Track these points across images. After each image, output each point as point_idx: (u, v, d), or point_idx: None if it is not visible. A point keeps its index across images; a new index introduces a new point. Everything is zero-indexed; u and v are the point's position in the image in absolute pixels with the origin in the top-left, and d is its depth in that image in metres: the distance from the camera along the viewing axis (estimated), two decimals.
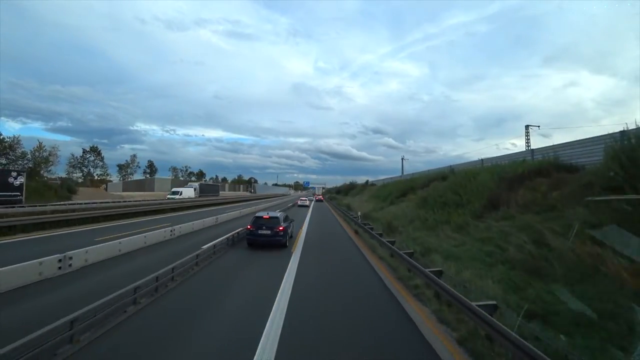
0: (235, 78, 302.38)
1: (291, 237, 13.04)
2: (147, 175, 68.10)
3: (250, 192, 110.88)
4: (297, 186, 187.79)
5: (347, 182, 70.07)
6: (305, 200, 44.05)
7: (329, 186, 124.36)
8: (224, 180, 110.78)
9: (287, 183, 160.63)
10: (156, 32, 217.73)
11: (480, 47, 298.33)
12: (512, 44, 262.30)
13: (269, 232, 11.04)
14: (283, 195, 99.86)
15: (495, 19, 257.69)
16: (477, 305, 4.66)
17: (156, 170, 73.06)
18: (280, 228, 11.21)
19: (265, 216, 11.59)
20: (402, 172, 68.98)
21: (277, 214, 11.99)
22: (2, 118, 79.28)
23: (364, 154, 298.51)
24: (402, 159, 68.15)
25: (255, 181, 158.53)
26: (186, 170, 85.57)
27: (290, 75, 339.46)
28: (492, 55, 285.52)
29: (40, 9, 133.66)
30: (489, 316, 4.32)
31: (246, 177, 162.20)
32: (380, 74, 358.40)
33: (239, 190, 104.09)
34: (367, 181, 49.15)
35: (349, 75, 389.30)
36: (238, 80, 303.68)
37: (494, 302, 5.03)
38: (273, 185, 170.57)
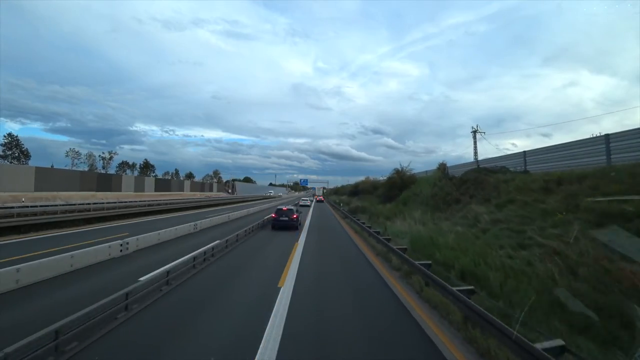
0: (234, 78, 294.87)
1: (300, 224, 17.46)
2: (22, 162, 39.04)
3: (228, 192, 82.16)
4: (296, 187, 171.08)
5: (378, 177, 40.26)
6: (307, 200, 47.15)
7: (330, 186, 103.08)
8: (189, 176, 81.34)
9: (287, 183, 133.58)
10: (154, 32, 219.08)
11: (480, 47, 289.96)
12: (512, 43, 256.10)
13: (286, 218, 16.24)
14: (267, 197, 69.81)
15: (495, 18, 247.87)
16: None
17: (28, 155, 43.66)
18: (294, 216, 16.46)
19: (284, 208, 16.89)
20: (477, 157, 37.73)
21: (292, 207, 18.14)
22: (2, 118, 73.59)
23: (363, 154, 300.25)
24: (475, 131, 37.87)
25: (247, 180, 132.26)
26: (109, 157, 55.71)
27: (290, 76, 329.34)
28: (491, 55, 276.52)
29: (39, 9, 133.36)
30: None
31: (245, 177, 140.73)
32: (379, 74, 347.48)
33: (209, 191, 74.77)
34: (443, 166, 19.66)
35: (348, 75, 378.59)
36: (237, 80, 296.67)
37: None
38: (269, 185, 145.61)
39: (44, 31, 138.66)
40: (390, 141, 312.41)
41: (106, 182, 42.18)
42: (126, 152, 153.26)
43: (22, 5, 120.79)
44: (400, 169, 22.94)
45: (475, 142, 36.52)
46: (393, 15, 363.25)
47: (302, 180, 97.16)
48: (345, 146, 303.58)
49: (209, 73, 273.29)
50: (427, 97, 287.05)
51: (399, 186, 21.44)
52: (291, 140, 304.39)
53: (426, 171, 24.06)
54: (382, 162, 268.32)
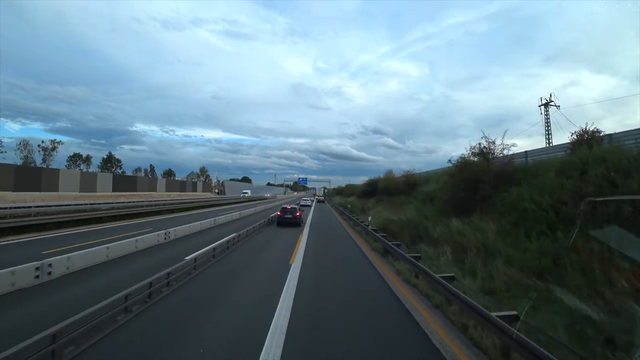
0: (233, 78, 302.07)
1: (302, 221, 19.27)
2: None
3: (216, 192, 71.12)
4: (296, 187, 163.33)
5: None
6: (308, 200, 48.33)
7: (332, 186, 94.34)
8: (169, 173, 69.75)
9: (284, 182, 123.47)
10: (153, 32, 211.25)
11: (480, 46, 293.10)
12: (512, 43, 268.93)
13: (290, 216, 17.81)
14: (246, 201, 55.99)
15: (495, 18, 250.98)
16: None
17: None
18: (298, 214, 18.17)
19: (288, 207, 18.47)
20: (550, 138, 27.54)
21: (295, 205, 19.96)
22: (2, 119, 71.89)
23: (363, 154, 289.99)
24: (547, 103, 28.13)
25: (245, 180, 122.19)
26: (52, 147, 43.89)
27: (290, 76, 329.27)
28: (491, 55, 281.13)
29: (37, 9, 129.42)
30: None
31: (243, 177, 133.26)
32: (379, 74, 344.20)
33: (192, 190, 63.78)
34: (595, 138, 8.59)
35: (348, 75, 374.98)
36: (237, 80, 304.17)
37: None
38: (267, 184, 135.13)
39: (43, 31, 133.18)
40: (391, 141, 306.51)
41: (33, 178, 31.08)
42: (126, 152, 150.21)
43: (21, 5, 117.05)
44: (486, 145, 11.72)
45: (548, 118, 25.26)
46: (393, 14, 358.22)
47: (300, 179, 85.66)
48: (345, 146, 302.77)
49: (209, 73, 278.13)
50: (427, 97, 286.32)
51: (492, 181, 10.37)
52: (291, 140, 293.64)
53: (522, 154, 12.85)
54: (382, 162, 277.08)
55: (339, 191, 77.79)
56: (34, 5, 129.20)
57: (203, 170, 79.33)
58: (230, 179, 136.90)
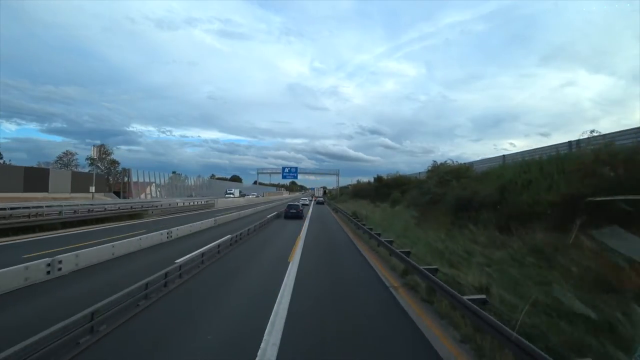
0: (230, 78, 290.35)
1: (303, 215, 25.97)
2: None
3: (115, 193, 35.65)
4: (293, 187, 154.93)
5: None
6: (306, 200, 47.32)
7: (331, 186, 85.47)
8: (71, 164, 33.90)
9: (282, 183, 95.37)
10: (147, 31, 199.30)
11: (477, 46, 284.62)
12: (509, 42, 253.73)
13: (295, 211, 23.93)
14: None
15: (491, 17, 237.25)
16: None
17: None
18: (300, 209, 24.66)
19: (293, 204, 25.66)
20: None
21: (298, 203, 27.36)
22: None
23: (360, 154, 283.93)
24: None
25: (235, 179, 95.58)
26: None
27: (286, 76, 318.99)
28: (488, 55, 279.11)
29: (32, 9, 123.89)
30: None
31: (233, 176, 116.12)
32: (376, 74, 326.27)
33: (18, 190, 28.08)
34: None
35: (345, 75, 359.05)
36: (233, 80, 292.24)
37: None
38: (254, 183, 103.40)
39: (38, 30, 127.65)
40: (388, 141, 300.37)
41: None
42: (123, 153, 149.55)
43: (16, 4, 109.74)
44: None
45: None
46: (389, 14, 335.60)
47: (285, 170, 51.16)
48: (342, 146, 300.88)
49: (205, 73, 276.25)
50: (424, 97, 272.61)
51: None
52: (288, 140, 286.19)
53: None
54: (379, 162, 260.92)
55: (358, 192, 40.14)
56: (28, 4, 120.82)
57: (105, 151, 43.25)
58: (217, 178, 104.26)
